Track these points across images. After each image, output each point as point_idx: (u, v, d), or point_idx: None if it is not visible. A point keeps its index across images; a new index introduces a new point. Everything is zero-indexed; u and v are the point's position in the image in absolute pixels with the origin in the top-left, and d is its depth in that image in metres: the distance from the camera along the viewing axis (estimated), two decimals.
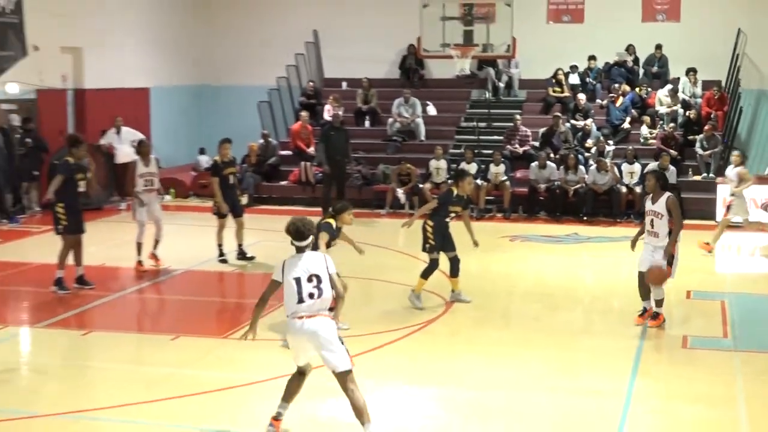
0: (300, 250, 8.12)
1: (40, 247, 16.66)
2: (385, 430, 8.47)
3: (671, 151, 21.33)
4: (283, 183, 22.88)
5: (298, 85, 25.82)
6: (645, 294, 11.90)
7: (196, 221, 19.61)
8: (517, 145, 22.50)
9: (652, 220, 11.62)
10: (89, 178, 13.96)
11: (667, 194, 11.62)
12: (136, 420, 8.75)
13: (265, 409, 9.06)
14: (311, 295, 7.95)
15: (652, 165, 19.91)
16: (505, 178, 21.14)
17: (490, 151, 21.96)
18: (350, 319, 12.31)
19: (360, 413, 7.77)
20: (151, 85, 25.34)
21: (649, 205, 11.70)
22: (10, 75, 20.30)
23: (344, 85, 25.87)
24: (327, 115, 23.65)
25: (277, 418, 8.23)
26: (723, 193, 20.11)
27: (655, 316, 11.82)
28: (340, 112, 23.34)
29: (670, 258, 11.53)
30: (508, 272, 15.54)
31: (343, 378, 7.89)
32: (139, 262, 15.07)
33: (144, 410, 8.98)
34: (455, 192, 12.77)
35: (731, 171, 17.62)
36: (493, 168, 21.24)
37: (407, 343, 11.30)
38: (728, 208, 17.47)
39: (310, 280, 7.98)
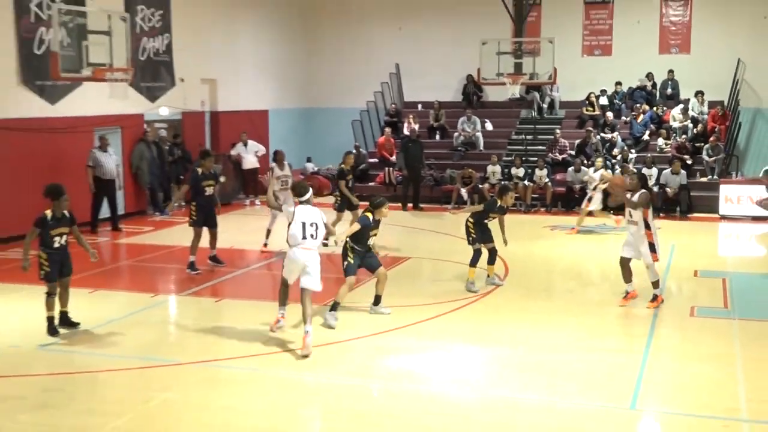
0: (304, 203, 9.59)
1: (184, 234, 16.94)
2: (452, 380, 8.48)
3: (683, 157, 20.93)
4: (371, 184, 22.93)
5: (383, 107, 25.85)
6: (627, 277, 11.33)
7: None
8: (557, 154, 22.25)
9: (630, 212, 11.15)
10: (221, 182, 14.26)
11: (642, 191, 11.04)
12: (256, 368, 8.86)
13: (359, 360, 9.15)
14: (312, 236, 9.42)
15: (648, 170, 19.82)
16: (547, 180, 20.93)
17: (536, 159, 21.78)
18: (422, 293, 12.35)
19: (305, 317, 9.28)
20: (269, 107, 25.58)
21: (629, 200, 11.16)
22: (162, 101, 20.64)
23: (419, 106, 25.82)
24: (406, 131, 23.67)
25: (279, 318, 9.83)
26: (725, 191, 19.76)
27: (654, 297, 11.23)
28: (416, 128, 23.36)
29: (651, 245, 11.04)
30: (548, 255, 15.37)
31: (306, 293, 9.37)
32: (265, 245, 15.22)
33: (261, 361, 9.09)
34: (498, 203, 12.46)
35: (595, 173, 18.16)
36: (537, 172, 21.06)
37: (467, 311, 11.24)
38: (589, 200, 17.89)
39: (311, 225, 9.42)
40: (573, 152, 22.13)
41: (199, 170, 13.63)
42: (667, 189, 19.85)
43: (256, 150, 22.37)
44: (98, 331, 10.25)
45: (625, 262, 11.31)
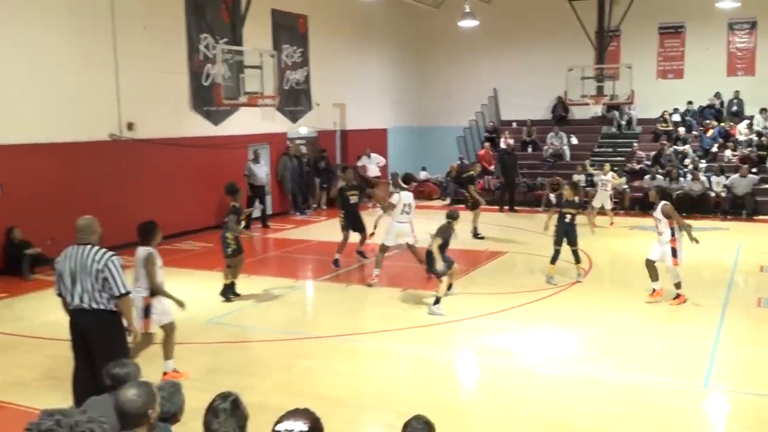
0: (404, 189, 11.75)
1: (319, 230, 17.27)
2: (543, 358, 8.31)
3: (747, 166, 19.87)
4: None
5: (483, 125, 25.60)
6: (653, 277, 10.56)
7: (416, 215, 19.76)
8: (635, 164, 21.48)
9: (656, 224, 10.49)
10: (369, 192, 14.71)
11: (662, 203, 10.31)
12: (381, 342, 8.92)
13: (464, 338, 9.08)
14: (406, 213, 11.61)
15: (717, 178, 18.99)
16: (626, 186, 20.23)
17: (616, 168, 21.06)
18: (516, 282, 12.15)
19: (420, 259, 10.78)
20: (388, 126, 25.75)
21: (654, 212, 10.48)
22: (301, 121, 21.04)
23: (514, 124, 25.41)
24: (502, 145, 23.33)
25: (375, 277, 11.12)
26: None
27: (676, 296, 10.41)
28: (511, 143, 23.00)
29: (674, 251, 10.25)
30: (627, 251, 14.83)
31: (410, 247, 11.43)
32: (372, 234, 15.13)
33: (387, 336, 9.15)
34: (564, 197, 12.04)
35: (605, 176, 17.91)
36: (618, 179, 20.36)
37: (556, 299, 10.98)
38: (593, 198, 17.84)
39: (408, 206, 11.57)
40: (649, 162, 21.33)
41: (343, 183, 13.53)
42: (735, 192, 18.91)
43: (378, 161, 22.53)
44: (252, 309, 10.54)
45: (649, 263, 10.63)
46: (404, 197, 11.75)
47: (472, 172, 16.43)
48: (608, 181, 18.06)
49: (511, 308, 10.35)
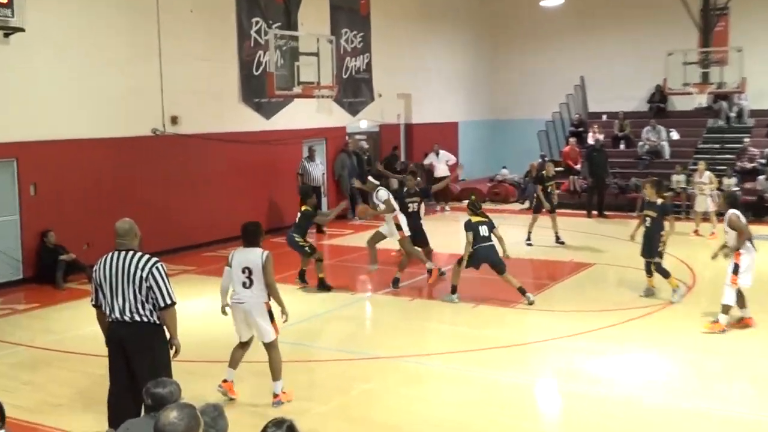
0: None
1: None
2: (637, 385, 8.14)
3: None
4: (557, 192, 22.38)
5: (568, 118, 25.29)
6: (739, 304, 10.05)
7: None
8: (746, 162, 20.86)
9: (725, 232, 10.05)
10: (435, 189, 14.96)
11: (730, 211, 10.00)
12: (449, 364, 8.87)
13: (547, 361, 8.97)
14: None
15: None
16: (736, 188, 19.63)
17: (724, 167, 20.50)
18: (607, 298, 11.93)
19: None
20: (459, 119, 25.70)
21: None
22: (361, 115, 21.20)
23: (604, 117, 25.02)
24: (590, 140, 23.01)
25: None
26: None
27: (714, 321, 10.02)
28: (601, 138, 22.66)
29: (736, 266, 9.83)
30: None
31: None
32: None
33: (455, 358, 9.10)
34: (646, 197, 11.72)
35: (701, 177, 17.52)
36: (725, 180, 19.77)
37: (654, 318, 10.73)
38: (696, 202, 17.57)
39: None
40: (763, 160, 20.68)
41: (404, 188, 13.45)
42: None
43: (447, 159, 22.47)
44: (305, 325, 10.62)
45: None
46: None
47: (543, 172, 16.68)
48: (704, 183, 17.54)
49: (599, 329, 10.18)
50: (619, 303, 11.46)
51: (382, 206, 12.81)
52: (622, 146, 23.69)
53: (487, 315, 11.01)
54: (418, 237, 13.07)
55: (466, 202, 12.35)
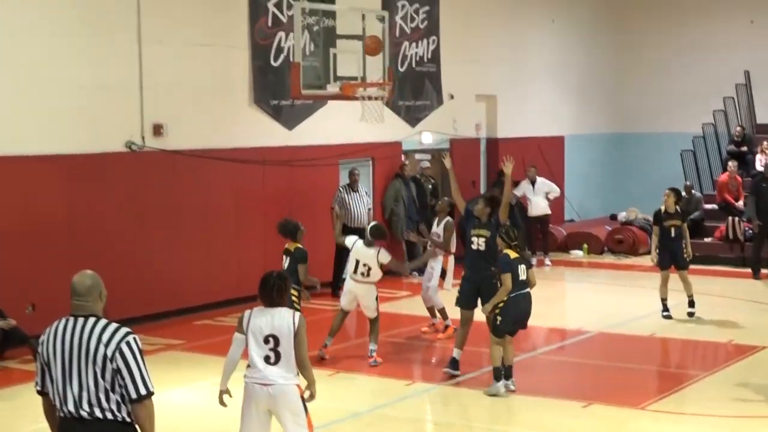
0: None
1: (449, 301, 17.16)
2: None
3: None
4: (708, 240, 22.20)
5: (726, 132, 25.08)
6: None
7: (610, 280, 19.52)
8: None
9: None
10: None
11: None
12: None
13: None
14: (362, 273, 13.07)
15: None
16: None
17: None
18: None
19: None
20: (566, 133, 25.67)
21: None
22: (424, 124, 21.29)
23: None
24: (759, 165, 22.76)
25: None
26: None
27: None
28: None
29: None
30: None
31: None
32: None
33: None
34: None
35: None
36: None
37: None
38: None
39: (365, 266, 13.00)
40: None
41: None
42: None
43: (548, 191, 22.38)
44: (338, 428, 10.59)
45: None
46: (358, 250, 13.11)
47: (662, 207, 16.10)
48: None
49: None
50: None
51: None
52: None
53: (605, 417, 10.89)
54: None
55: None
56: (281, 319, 7.64)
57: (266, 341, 7.63)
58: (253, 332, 7.70)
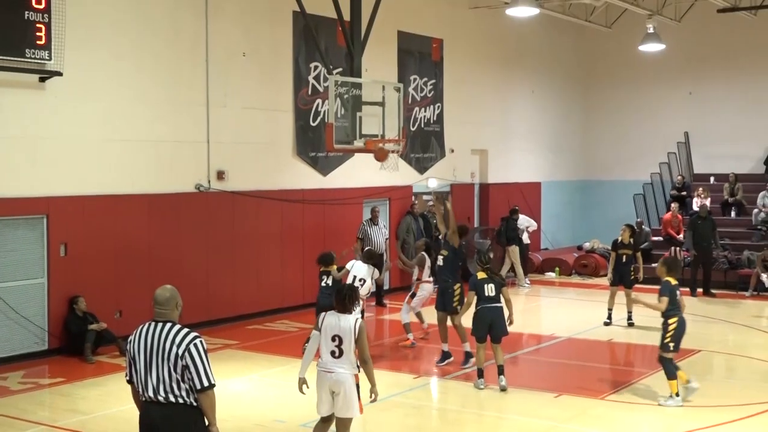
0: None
1: None
2: None
3: None
4: (654, 265, 21.91)
5: (669, 180, 25.06)
6: None
7: (577, 296, 19.48)
8: None
9: None
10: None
11: None
12: None
13: None
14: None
15: None
16: None
17: None
18: (714, 392, 11.64)
19: None
20: (543, 179, 25.70)
21: None
22: (430, 172, 21.34)
23: (712, 179, 24.72)
24: (695, 206, 22.71)
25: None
26: None
27: None
28: (708, 203, 22.35)
29: None
30: None
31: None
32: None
33: None
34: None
35: None
36: None
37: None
38: None
39: (360, 280, 12.86)
40: None
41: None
42: None
43: (528, 225, 22.40)
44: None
45: None
46: (356, 268, 13.13)
47: (619, 238, 16.37)
48: None
49: (705, 428, 9.93)
50: (730, 398, 11.16)
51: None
52: (732, 214, 23.34)
53: (571, 406, 10.84)
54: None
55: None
56: (346, 323, 7.87)
57: (333, 339, 7.87)
58: (324, 331, 7.95)
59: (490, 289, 11.37)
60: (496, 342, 11.47)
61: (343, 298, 7.99)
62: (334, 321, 7.91)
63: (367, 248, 14.84)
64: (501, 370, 11.45)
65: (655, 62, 25.13)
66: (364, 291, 13.29)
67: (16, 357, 13.12)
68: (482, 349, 11.53)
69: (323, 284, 13.45)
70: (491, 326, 11.41)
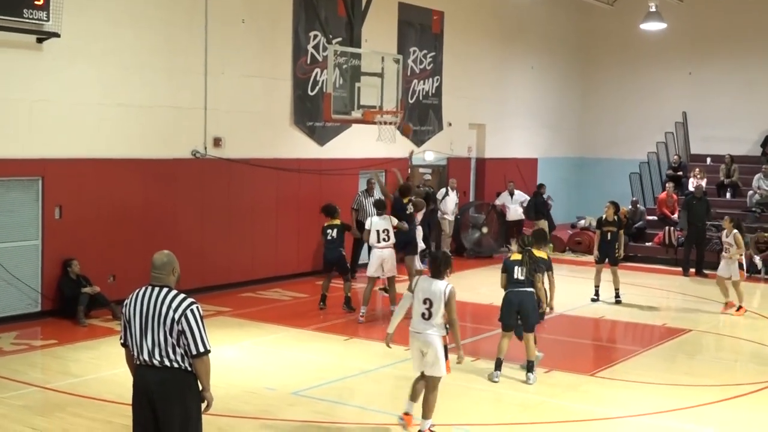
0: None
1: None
2: None
3: None
4: (648, 244, 22.19)
5: (666, 160, 25.07)
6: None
7: (570, 273, 19.55)
8: None
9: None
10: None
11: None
12: None
13: None
14: (384, 240, 14.08)
15: None
16: None
17: None
18: (703, 371, 11.73)
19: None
20: (539, 156, 25.70)
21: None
22: (428, 145, 21.34)
23: (708, 160, 24.74)
24: (691, 187, 22.74)
25: None
26: None
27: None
28: (703, 184, 22.38)
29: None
30: None
31: None
32: None
33: (520, 430, 9.01)
34: None
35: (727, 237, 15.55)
36: None
37: (761, 397, 10.51)
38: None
39: (385, 231, 14.05)
40: None
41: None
42: None
43: (522, 200, 22.45)
44: (349, 382, 10.67)
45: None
46: (375, 223, 13.92)
47: (603, 216, 16.58)
48: (730, 244, 15.69)
49: (694, 406, 10.00)
50: (718, 377, 11.25)
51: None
52: (728, 195, 23.38)
53: (561, 382, 10.89)
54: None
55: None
56: (436, 287, 8.32)
57: (424, 302, 8.34)
58: (416, 294, 8.43)
59: (520, 272, 10.58)
60: (528, 330, 10.70)
61: (438, 264, 8.46)
62: (426, 285, 8.38)
63: (375, 199, 15.77)
64: (530, 367, 10.72)
65: (657, 41, 25.07)
66: (392, 240, 13.98)
67: (9, 318, 13.17)
68: (507, 337, 10.82)
69: (329, 238, 14.37)
70: (519, 313, 10.67)
